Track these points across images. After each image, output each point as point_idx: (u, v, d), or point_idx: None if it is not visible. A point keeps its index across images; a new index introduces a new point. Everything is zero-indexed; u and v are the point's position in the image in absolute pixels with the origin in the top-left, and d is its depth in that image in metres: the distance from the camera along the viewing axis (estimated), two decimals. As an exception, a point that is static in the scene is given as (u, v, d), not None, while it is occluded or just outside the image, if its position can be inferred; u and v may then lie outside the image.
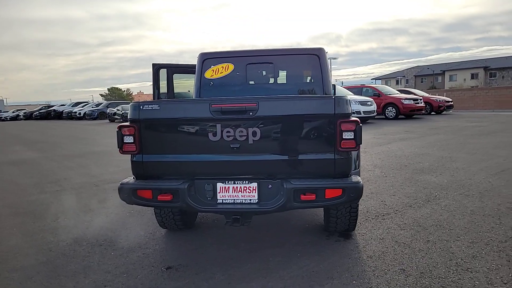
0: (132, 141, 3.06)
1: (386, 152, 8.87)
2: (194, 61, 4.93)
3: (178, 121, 3.07)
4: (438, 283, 2.88)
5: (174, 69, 5.51)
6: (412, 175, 6.48)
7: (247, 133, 2.94)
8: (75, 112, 37.47)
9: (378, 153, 8.79)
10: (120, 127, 3.09)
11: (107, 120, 31.39)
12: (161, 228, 4.16)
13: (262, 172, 3.06)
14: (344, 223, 3.70)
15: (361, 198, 3.29)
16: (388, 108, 18.90)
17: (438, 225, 4.07)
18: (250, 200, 3.05)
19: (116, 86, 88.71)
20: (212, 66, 4.60)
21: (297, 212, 4.55)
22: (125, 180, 3.20)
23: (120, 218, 4.73)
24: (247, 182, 3.06)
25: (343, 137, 2.87)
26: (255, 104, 2.90)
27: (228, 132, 2.95)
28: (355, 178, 3.00)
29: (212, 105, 2.94)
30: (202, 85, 4.57)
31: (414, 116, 19.85)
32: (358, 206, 3.64)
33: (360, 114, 16.30)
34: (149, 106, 3.02)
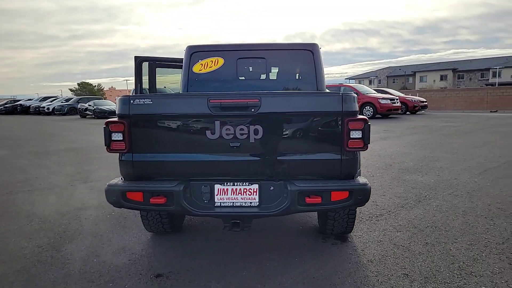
0: (121, 138, 2.80)
1: (369, 152, 8.82)
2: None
3: (173, 117, 2.83)
4: (445, 289, 2.77)
5: (158, 63, 5.23)
6: (399, 174, 6.43)
7: (248, 131, 2.74)
8: (43, 107, 36.00)
9: (362, 153, 8.72)
10: (107, 123, 2.83)
11: (78, 116, 30.43)
12: (147, 231, 3.89)
13: (264, 173, 2.86)
14: (342, 225, 3.56)
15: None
16: (366, 107, 19.04)
17: (434, 227, 3.99)
18: (251, 203, 2.85)
19: (87, 80, 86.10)
20: (200, 60, 4.37)
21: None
22: (112, 181, 2.93)
23: (100, 221, 4.43)
24: (247, 183, 2.86)
25: (351, 136, 2.71)
26: (258, 100, 2.70)
27: (227, 129, 2.74)
28: (362, 180, 2.85)
29: (211, 100, 2.72)
30: (190, 80, 4.32)
31: (390, 116, 20.11)
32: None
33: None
34: (140, 100, 2.77)
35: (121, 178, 2.99)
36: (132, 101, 2.77)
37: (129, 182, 2.91)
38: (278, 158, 2.82)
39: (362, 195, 2.77)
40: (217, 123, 2.74)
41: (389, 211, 4.53)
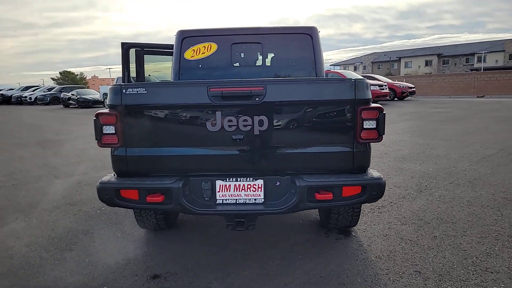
0: (113, 131, 2.56)
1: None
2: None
3: (169, 107, 2.60)
4: (461, 287, 2.63)
5: (146, 50, 4.94)
6: (396, 163, 6.30)
7: (253, 122, 2.52)
8: (26, 97, 35.06)
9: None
10: (98, 115, 2.57)
11: (61, 106, 29.71)
12: (140, 227, 3.67)
13: (269, 168, 2.66)
14: (346, 219, 3.39)
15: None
16: (354, 94, 18.87)
17: (440, 219, 3.85)
18: (255, 200, 2.65)
19: (69, 69, 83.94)
20: (192, 46, 4.10)
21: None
22: (105, 178, 2.69)
23: (90, 217, 4.19)
24: (251, 179, 2.64)
25: (364, 127, 2.52)
26: (262, 88, 2.48)
27: (230, 121, 2.52)
28: (375, 173, 2.66)
29: (211, 89, 2.49)
30: (182, 67, 4.06)
31: (379, 102, 20.01)
32: None
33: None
34: (134, 89, 2.52)
35: (114, 175, 2.75)
36: (124, 91, 2.52)
37: (123, 179, 2.67)
38: (285, 151, 2.62)
39: (377, 190, 2.59)
40: (218, 113, 2.51)
41: (391, 202, 4.38)
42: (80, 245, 3.48)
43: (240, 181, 2.65)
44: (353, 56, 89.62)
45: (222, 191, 2.65)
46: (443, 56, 66.77)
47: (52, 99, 33.25)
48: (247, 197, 2.65)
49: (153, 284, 2.79)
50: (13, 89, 43.27)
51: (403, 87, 22.57)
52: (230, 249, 3.30)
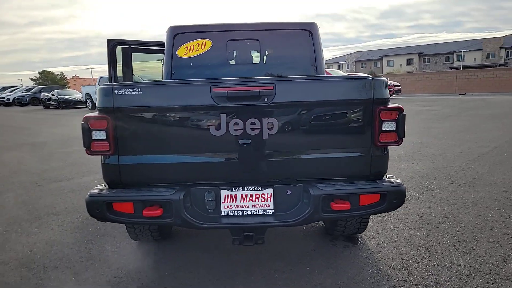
0: (104, 137, 2.28)
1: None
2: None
3: (167, 110, 2.34)
4: (484, 299, 2.45)
5: (134, 47, 4.65)
6: (392, 163, 6.11)
7: (261, 125, 2.28)
8: (3, 98, 34.06)
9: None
10: (86, 119, 2.29)
11: (41, 107, 28.89)
12: (132, 239, 3.39)
13: (280, 175, 2.42)
14: (354, 226, 3.19)
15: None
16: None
17: (447, 222, 3.69)
18: (264, 211, 2.41)
19: (48, 69, 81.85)
20: (185, 43, 3.84)
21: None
22: (95, 190, 2.40)
23: (75, 228, 3.88)
24: (259, 188, 2.40)
25: (383, 129, 2.32)
26: (272, 88, 2.24)
27: (236, 124, 2.28)
28: (394, 179, 2.46)
29: (215, 89, 2.24)
30: (174, 65, 3.80)
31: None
32: None
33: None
34: (127, 90, 2.25)
35: (105, 185, 2.47)
36: (116, 92, 2.25)
37: (115, 190, 2.39)
38: (297, 156, 2.39)
39: (398, 198, 2.38)
40: (223, 116, 2.27)
41: (395, 205, 4.20)
42: (66, 260, 3.18)
43: (247, 190, 2.40)
44: (337, 55, 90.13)
45: (227, 202, 2.40)
46: (424, 55, 67.80)
47: (31, 100, 32.38)
48: (255, 208, 2.40)
49: (150, 304, 2.53)
50: (-11, 90, 41.96)
51: (389, 85, 22.63)
52: (231, 262, 3.06)
